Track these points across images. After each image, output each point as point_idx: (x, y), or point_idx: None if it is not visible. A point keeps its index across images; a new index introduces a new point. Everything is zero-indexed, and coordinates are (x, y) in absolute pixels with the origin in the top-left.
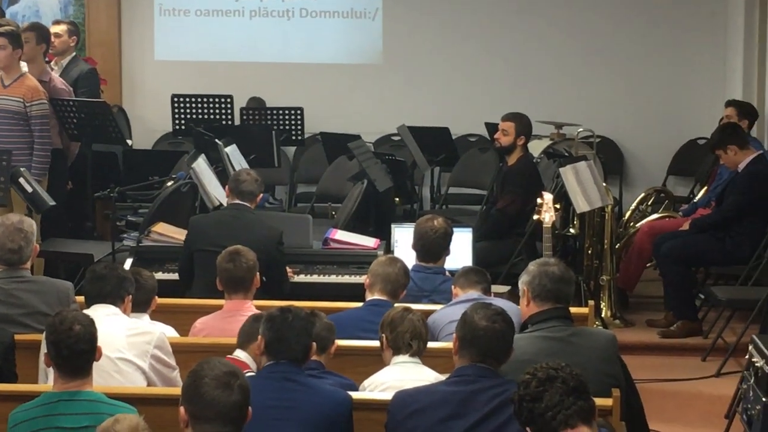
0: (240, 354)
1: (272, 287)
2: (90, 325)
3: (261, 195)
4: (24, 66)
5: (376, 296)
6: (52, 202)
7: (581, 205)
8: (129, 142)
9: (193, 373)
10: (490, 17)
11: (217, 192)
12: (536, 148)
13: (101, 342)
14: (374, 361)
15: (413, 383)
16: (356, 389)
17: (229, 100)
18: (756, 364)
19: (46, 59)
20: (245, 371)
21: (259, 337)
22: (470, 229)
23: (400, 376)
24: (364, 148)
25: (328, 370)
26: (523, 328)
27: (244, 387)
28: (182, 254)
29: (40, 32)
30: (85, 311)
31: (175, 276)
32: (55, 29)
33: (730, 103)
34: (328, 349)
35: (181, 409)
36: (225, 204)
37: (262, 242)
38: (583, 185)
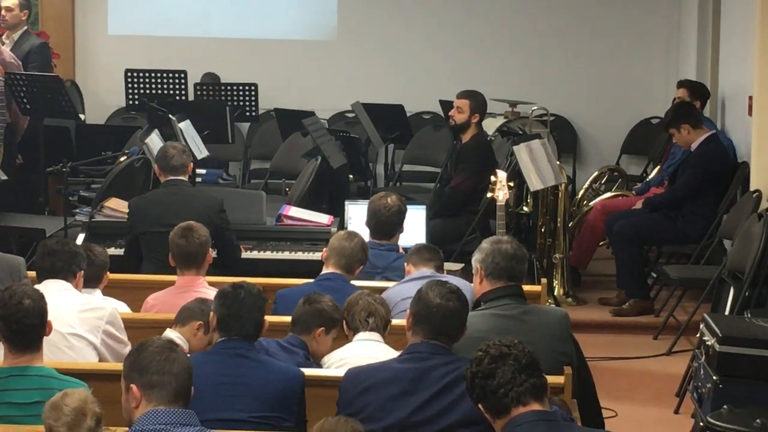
0: (171, 334)
1: (223, 256)
2: (40, 299)
3: (191, 164)
4: None
5: (330, 270)
6: (4, 177)
7: (535, 183)
8: (82, 116)
9: (135, 350)
10: None
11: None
12: (490, 126)
13: (52, 317)
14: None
15: (371, 360)
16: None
17: (183, 75)
18: (707, 343)
19: None
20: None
21: (211, 313)
22: (424, 207)
23: (359, 352)
24: (318, 125)
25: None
26: (476, 306)
27: (185, 360)
28: (126, 238)
29: None
30: (37, 286)
31: None
32: (6, 3)
33: (682, 84)
34: (311, 332)
35: (133, 387)
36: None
37: (205, 213)
38: (536, 163)
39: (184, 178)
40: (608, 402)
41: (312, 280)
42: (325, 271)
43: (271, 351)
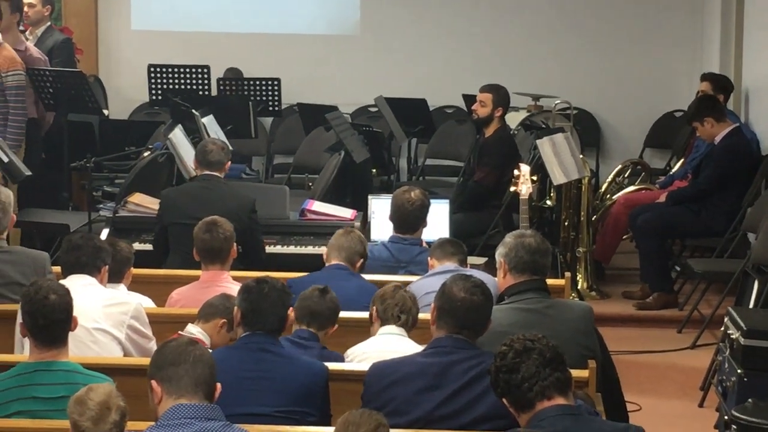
0: (192, 329)
1: (248, 255)
2: (66, 294)
3: (229, 162)
4: None
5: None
6: (28, 172)
7: (558, 176)
8: (105, 112)
9: (157, 350)
10: None
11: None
12: (513, 119)
13: (77, 312)
14: (355, 333)
15: (394, 355)
16: (341, 361)
17: (206, 70)
18: (731, 336)
19: (21, 29)
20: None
21: (235, 308)
22: (447, 201)
23: (382, 347)
24: (341, 119)
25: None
26: (500, 300)
27: (208, 356)
28: (156, 228)
29: (14, 2)
30: (62, 281)
31: (151, 247)
32: None
33: (705, 77)
34: (326, 329)
35: (153, 383)
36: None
37: (236, 211)
38: (560, 157)
39: (220, 174)
40: (632, 396)
41: None
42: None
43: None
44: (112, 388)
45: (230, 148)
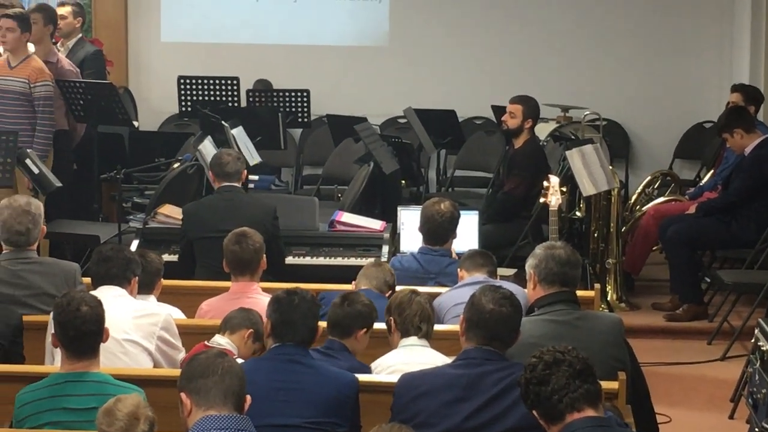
0: (221, 340)
1: (270, 262)
2: (97, 306)
3: (245, 171)
4: (31, 47)
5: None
6: (58, 184)
7: (587, 188)
8: (135, 123)
9: (186, 362)
10: (496, 0)
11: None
12: (543, 131)
13: (108, 323)
14: (379, 344)
15: (420, 366)
16: (370, 373)
17: (235, 81)
18: (762, 348)
19: (53, 41)
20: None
21: (266, 319)
22: (476, 212)
23: (407, 359)
24: (371, 131)
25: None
26: (530, 312)
27: (237, 369)
28: (181, 244)
29: (48, 13)
30: (92, 293)
31: None
32: (60, 11)
33: (736, 88)
34: (353, 334)
35: (182, 395)
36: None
37: (258, 220)
38: (589, 168)
39: (238, 184)
40: (662, 407)
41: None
42: None
43: None
44: (140, 399)
45: (253, 159)
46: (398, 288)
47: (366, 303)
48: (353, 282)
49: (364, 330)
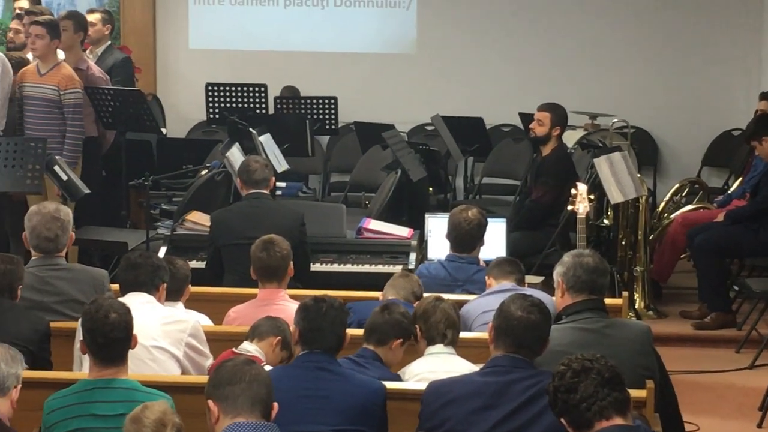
0: (249, 347)
1: (296, 268)
2: (126, 313)
3: (273, 178)
4: (61, 54)
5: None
6: (87, 190)
7: (615, 196)
8: (163, 130)
9: (214, 370)
10: (525, 7)
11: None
12: (570, 138)
13: (136, 330)
14: (406, 351)
15: (446, 374)
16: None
17: (263, 89)
18: None
19: (83, 48)
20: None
21: (294, 326)
22: (504, 220)
23: (433, 367)
24: (398, 138)
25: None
26: (558, 320)
27: (266, 377)
28: (209, 251)
29: (78, 21)
30: (120, 299)
31: None
32: (89, 18)
33: (764, 96)
34: (388, 343)
35: (210, 402)
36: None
37: (286, 227)
38: (617, 176)
39: (266, 191)
40: (690, 416)
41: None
42: None
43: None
44: (167, 406)
45: (280, 165)
46: (425, 296)
47: (404, 313)
48: (380, 296)
49: (400, 340)
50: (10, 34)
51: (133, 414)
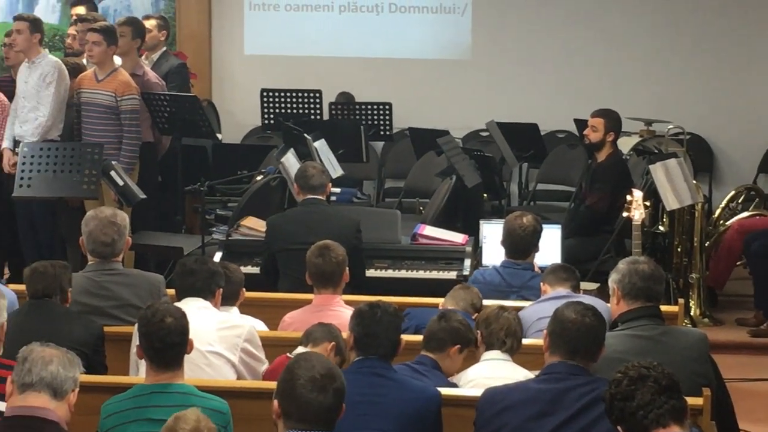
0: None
1: (351, 274)
2: (182, 318)
3: (330, 184)
4: (117, 60)
5: None
6: (143, 195)
7: (671, 202)
8: (219, 136)
9: (290, 370)
10: (579, 13)
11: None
12: (625, 144)
13: (192, 335)
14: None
15: (502, 380)
16: None
17: (317, 94)
18: None
19: (139, 54)
20: None
21: (349, 332)
22: (559, 226)
23: (488, 373)
24: (453, 144)
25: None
26: (613, 327)
27: (340, 390)
28: (264, 256)
29: (136, 27)
30: (176, 304)
31: None
32: (145, 24)
33: None
34: (446, 350)
35: (275, 402)
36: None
37: (342, 233)
38: (673, 182)
39: (323, 197)
40: (746, 424)
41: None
42: None
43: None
44: (199, 413)
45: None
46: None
47: (462, 321)
48: (441, 305)
49: (458, 347)
50: (69, 40)
51: (167, 426)
